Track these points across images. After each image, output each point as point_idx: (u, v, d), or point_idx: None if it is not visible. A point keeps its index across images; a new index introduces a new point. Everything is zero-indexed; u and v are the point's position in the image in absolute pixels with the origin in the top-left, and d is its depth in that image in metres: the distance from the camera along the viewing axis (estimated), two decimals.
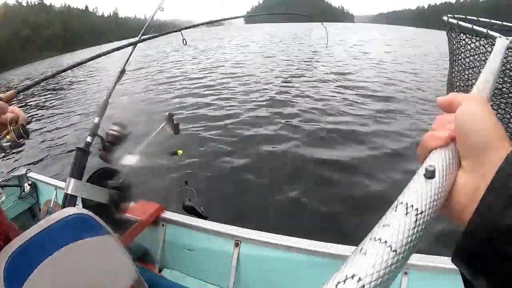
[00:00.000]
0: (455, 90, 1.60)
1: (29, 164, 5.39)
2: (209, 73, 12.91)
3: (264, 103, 8.02)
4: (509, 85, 1.31)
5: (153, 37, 1.95)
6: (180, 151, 2.17)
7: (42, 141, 6.68)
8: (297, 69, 12.88)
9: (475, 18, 1.56)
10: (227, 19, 2.74)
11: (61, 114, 9.06)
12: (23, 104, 11.62)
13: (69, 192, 1.53)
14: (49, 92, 14.01)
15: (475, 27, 1.30)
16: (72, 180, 1.55)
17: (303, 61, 15.04)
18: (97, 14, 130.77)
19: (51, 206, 2.73)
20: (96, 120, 1.75)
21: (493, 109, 1.24)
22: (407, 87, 9.30)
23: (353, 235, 2.98)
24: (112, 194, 1.64)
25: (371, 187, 3.95)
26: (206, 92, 9.44)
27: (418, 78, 10.90)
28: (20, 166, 4.02)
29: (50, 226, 1.05)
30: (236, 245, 1.87)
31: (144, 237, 1.98)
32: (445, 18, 1.48)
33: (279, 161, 4.79)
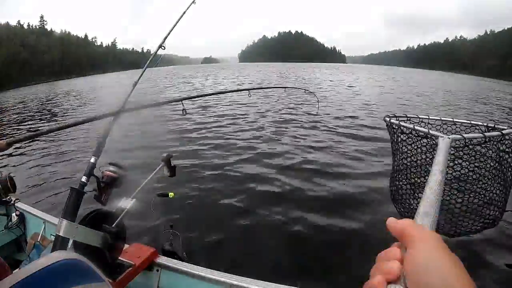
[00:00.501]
0: (399, 185, 1.68)
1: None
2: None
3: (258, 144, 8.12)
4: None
5: (154, 105, 1.97)
6: (171, 194, 2.13)
7: (36, 174, 6.52)
8: None
9: (416, 116, 1.72)
10: (231, 91, 2.80)
11: (56, 149, 8.90)
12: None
13: (60, 234, 1.49)
14: (45, 121, 13.97)
15: (417, 127, 1.42)
16: (65, 221, 1.51)
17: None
18: (95, 43, 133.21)
19: (38, 240, 2.66)
20: (92, 160, 1.75)
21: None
22: None
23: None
24: (105, 237, 1.60)
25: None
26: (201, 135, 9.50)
27: None
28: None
29: (39, 271, 1.00)
30: None
31: (138, 283, 1.91)
32: (386, 118, 1.61)
33: (276, 204, 4.73)
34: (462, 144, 1.31)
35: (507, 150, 1.37)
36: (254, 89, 3.19)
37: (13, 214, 2.87)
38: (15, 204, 2.90)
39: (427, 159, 1.46)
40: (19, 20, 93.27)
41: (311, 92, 4.22)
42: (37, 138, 10.19)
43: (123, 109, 2.03)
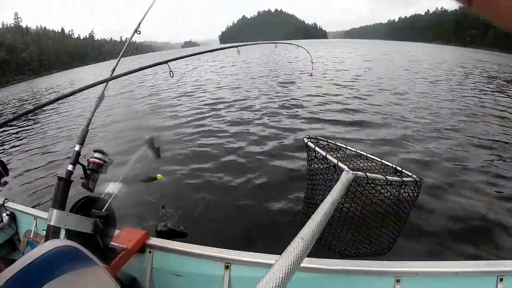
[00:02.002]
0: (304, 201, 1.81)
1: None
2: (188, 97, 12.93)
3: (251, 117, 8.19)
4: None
5: (140, 70, 1.94)
6: (159, 176, 2.13)
7: (21, 170, 6.45)
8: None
9: (333, 142, 1.82)
10: (213, 50, 2.71)
11: (41, 140, 8.79)
12: None
13: (52, 223, 1.50)
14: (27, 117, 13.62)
15: (328, 156, 1.52)
16: (55, 210, 1.52)
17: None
18: (73, 36, 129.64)
19: (31, 237, 2.65)
20: (77, 148, 1.74)
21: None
22: None
23: None
24: (96, 222, 1.61)
25: None
26: (187, 113, 9.49)
27: None
28: None
29: (35, 261, 1.02)
30: (227, 267, 1.84)
31: (131, 265, 1.93)
32: (305, 139, 1.70)
33: (267, 176, 4.82)
34: (365, 182, 1.41)
35: (404, 194, 1.54)
36: (242, 45, 3.06)
37: (4, 215, 2.85)
38: (5, 204, 2.89)
39: (330, 185, 1.56)
40: None
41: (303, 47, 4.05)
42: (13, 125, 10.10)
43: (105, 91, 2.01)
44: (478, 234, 3.36)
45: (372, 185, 1.43)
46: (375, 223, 1.59)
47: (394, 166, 1.75)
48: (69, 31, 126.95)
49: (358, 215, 1.51)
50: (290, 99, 10.58)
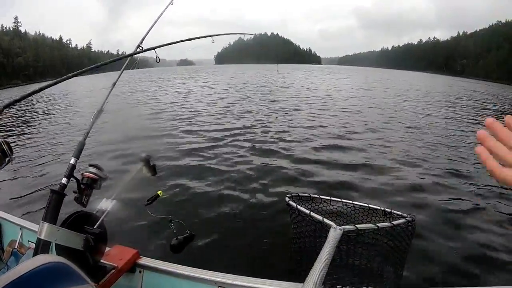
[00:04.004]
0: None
1: None
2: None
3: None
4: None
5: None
6: (160, 192, 2.10)
7: (13, 179, 6.29)
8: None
9: (316, 196, 1.85)
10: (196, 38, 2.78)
11: (35, 151, 8.61)
12: None
13: (42, 237, 1.46)
14: (22, 123, 13.55)
15: (312, 214, 1.52)
16: (46, 224, 1.48)
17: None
18: (70, 46, 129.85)
19: (15, 247, 2.58)
20: (72, 161, 1.72)
21: None
22: None
23: None
24: (88, 239, 1.57)
25: None
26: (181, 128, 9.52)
27: None
28: None
29: (22, 276, 0.98)
30: None
31: (120, 285, 1.87)
32: (286, 198, 1.72)
33: (264, 199, 4.81)
34: (355, 233, 1.42)
35: (397, 236, 1.55)
36: (218, 35, 3.16)
37: None
38: None
39: (319, 242, 1.56)
40: None
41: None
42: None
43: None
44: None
45: (363, 235, 1.44)
46: (375, 268, 1.59)
47: (382, 209, 1.74)
48: (66, 40, 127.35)
49: (357, 263, 1.53)
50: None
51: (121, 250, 2.00)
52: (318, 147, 7.69)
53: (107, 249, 1.88)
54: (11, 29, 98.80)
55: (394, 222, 1.49)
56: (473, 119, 12.98)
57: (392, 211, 1.70)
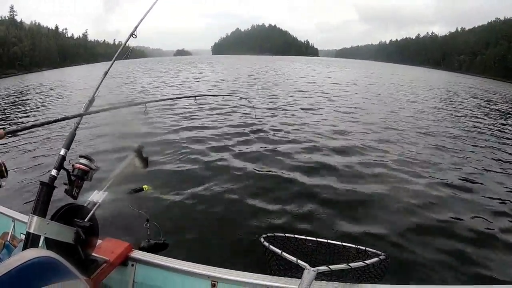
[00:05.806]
0: None
1: None
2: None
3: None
4: None
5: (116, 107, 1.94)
6: (145, 186, 2.08)
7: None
8: None
9: (292, 236, 1.88)
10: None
11: (25, 141, 8.52)
12: None
13: (31, 231, 1.43)
14: (13, 114, 13.42)
15: (285, 254, 1.55)
16: (35, 217, 1.45)
17: None
18: (66, 35, 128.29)
19: (8, 239, 2.55)
20: (62, 152, 1.68)
21: None
22: None
23: None
24: (78, 232, 1.54)
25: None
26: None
27: None
28: None
29: (10, 271, 0.95)
30: (213, 286, 1.79)
31: (112, 279, 1.86)
32: (261, 239, 1.76)
33: (254, 191, 4.83)
34: (329, 273, 1.47)
35: (369, 273, 1.63)
36: (200, 95, 3.17)
37: None
38: None
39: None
40: None
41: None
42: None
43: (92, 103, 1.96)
44: None
45: (336, 275, 1.52)
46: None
47: (356, 247, 1.76)
48: (62, 30, 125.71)
49: None
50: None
51: (113, 243, 1.98)
52: (318, 147, 7.66)
53: (99, 241, 1.86)
54: (7, 18, 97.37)
55: (367, 262, 1.53)
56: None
57: (367, 249, 1.72)
